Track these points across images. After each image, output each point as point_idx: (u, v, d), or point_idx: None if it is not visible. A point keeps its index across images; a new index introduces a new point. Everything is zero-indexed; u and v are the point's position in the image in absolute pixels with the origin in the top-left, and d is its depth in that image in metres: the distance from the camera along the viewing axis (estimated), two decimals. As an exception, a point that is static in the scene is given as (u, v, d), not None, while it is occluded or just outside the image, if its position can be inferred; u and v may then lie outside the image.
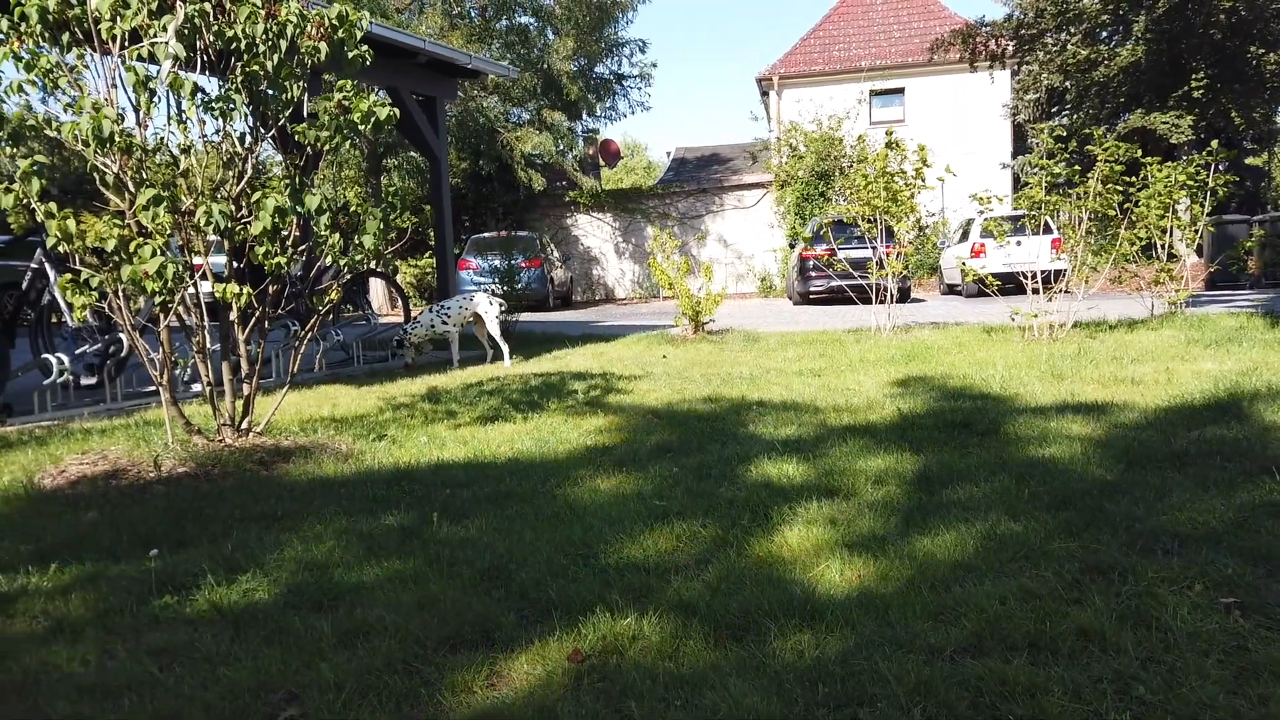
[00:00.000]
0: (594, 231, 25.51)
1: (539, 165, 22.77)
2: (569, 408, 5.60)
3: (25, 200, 4.02)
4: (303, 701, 1.99)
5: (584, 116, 24.90)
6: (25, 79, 3.96)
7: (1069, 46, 19.50)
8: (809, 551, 2.78)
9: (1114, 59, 18.92)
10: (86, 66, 4.22)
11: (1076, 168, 8.12)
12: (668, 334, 10.56)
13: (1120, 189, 8.11)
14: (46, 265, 6.23)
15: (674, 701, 1.91)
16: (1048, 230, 9.54)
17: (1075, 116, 20.33)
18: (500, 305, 8.52)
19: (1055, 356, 6.72)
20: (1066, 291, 8.54)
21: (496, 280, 10.63)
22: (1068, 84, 20.24)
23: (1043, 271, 8.70)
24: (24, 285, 6.32)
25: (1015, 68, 22.12)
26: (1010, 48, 21.19)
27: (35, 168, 4.01)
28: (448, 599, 2.50)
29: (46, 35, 4.00)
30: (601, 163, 29.72)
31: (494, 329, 8.32)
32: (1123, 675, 1.91)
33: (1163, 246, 9.14)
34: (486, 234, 21.28)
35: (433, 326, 8.38)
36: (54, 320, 6.59)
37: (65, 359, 5.97)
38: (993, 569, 2.53)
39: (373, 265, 6.41)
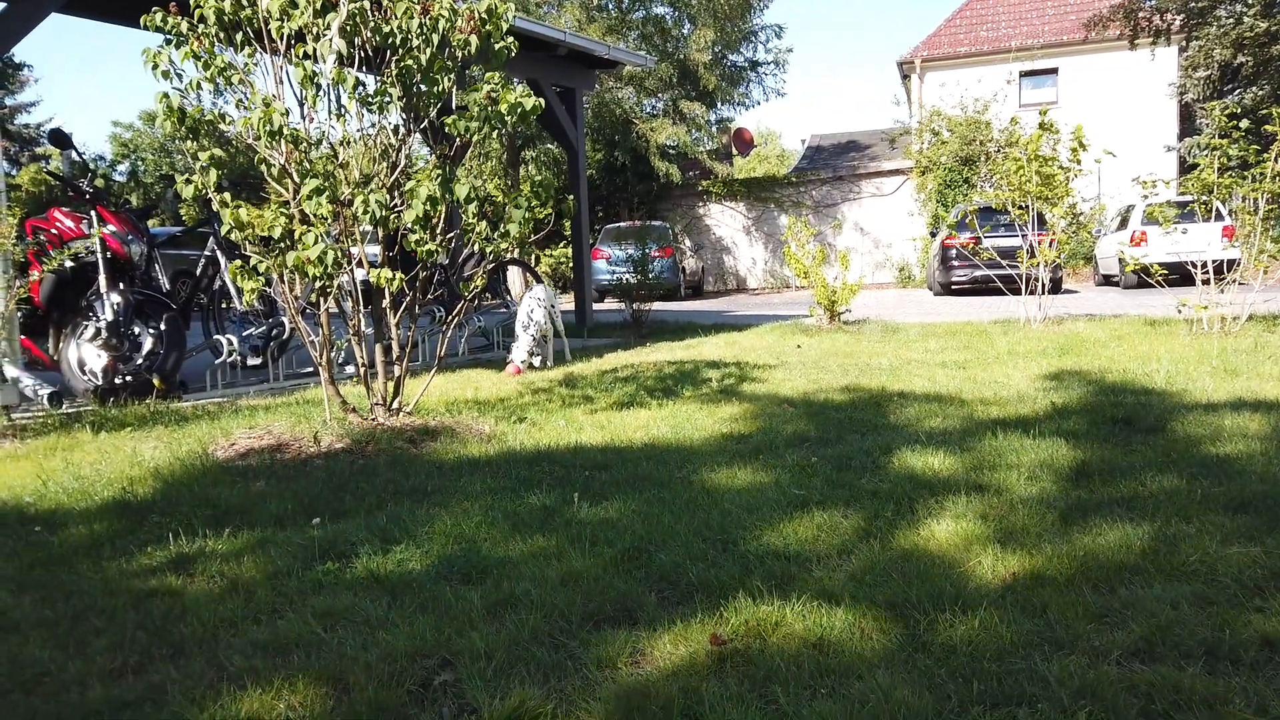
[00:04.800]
0: (726, 221, 25.38)
1: (673, 155, 22.83)
2: (703, 395, 5.59)
3: (203, 191, 4.32)
4: (455, 668, 2.07)
5: (718, 106, 24.78)
6: (203, 77, 4.24)
7: (1245, 19, 18.04)
8: (958, 546, 2.68)
9: (1297, 30, 17.41)
10: (256, 65, 4.49)
11: (1255, 147, 7.51)
12: (801, 324, 10.41)
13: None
14: (218, 253, 6.68)
15: (820, 690, 1.88)
16: (1218, 217, 8.86)
17: (1253, 94, 18.78)
18: (540, 302, 7.22)
19: (1228, 351, 6.25)
20: (1241, 282, 7.93)
21: (629, 269, 10.72)
22: (1243, 59, 18.73)
23: (1213, 261, 8.10)
24: (198, 271, 6.80)
25: (1183, 44, 20.64)
26: (1177, 22, 19.78)
27: (214, 159, 4.30)
28: (590, 576, 2.54)
29: (221, 35, 4.27)
30: (735, 151, 29.53)
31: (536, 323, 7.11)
32: (1316, 691, 1.76)
33: (1354, 233, 8.34)
34: (620, 224, 21.50)
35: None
36: (223, 304, 7.07)
37: (234, 340, 6.40)
38: (1162, 572, 2.37)
39: (519, 252, 6.59)
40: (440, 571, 2.64)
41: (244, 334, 6.73)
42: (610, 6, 22.34)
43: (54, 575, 2.70)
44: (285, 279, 4.53)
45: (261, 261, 4.38)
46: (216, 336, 6.47)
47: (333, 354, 7.08)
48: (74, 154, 6.30)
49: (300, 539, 2.93)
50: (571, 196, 5.24)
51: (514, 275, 19.03)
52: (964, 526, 2.82)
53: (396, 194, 4.64)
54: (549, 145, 22.11)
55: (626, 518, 3.08)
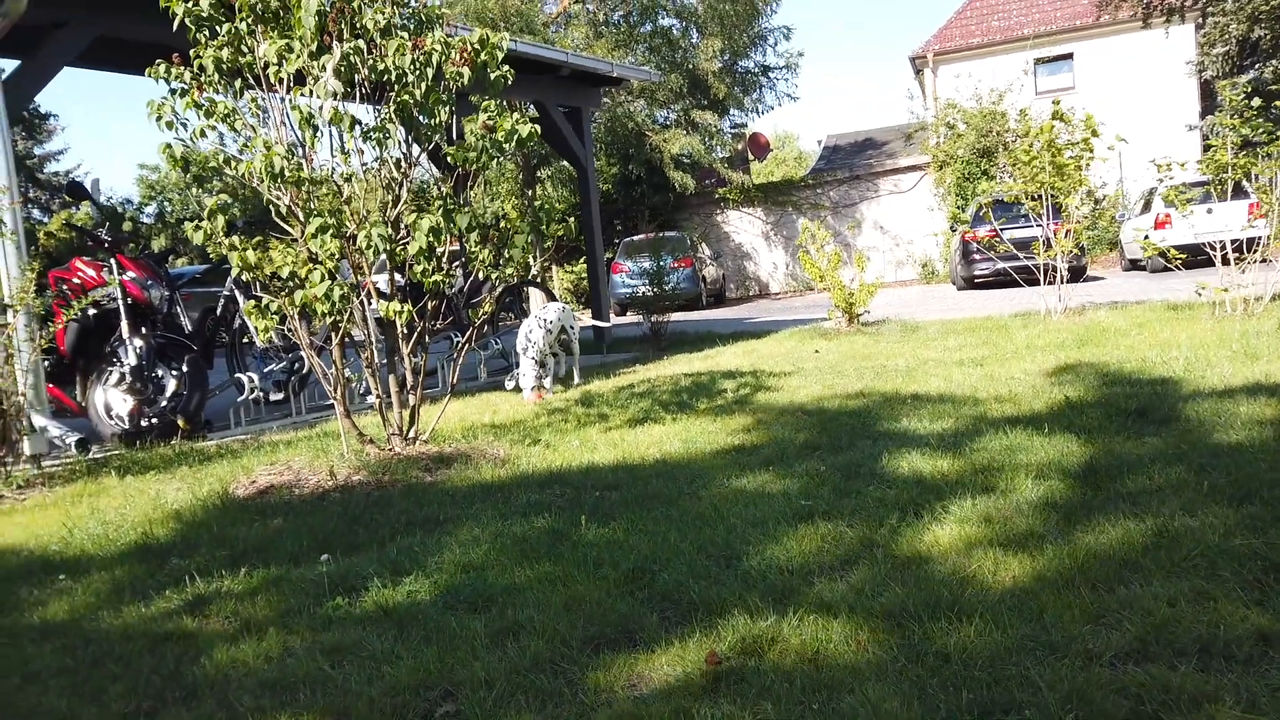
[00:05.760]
0: (745, 227, 25.36)
1: (688, 165, 22.86)
2: (718, 407, 5.61)
3: (213, 235, 4.42)
4: (457, 698, 2.10)
5: (731, 112, 24.79)
6: (206, 125, 4.34)
7: (1259, -9, 17.78)
8: (960, 551, 2.68)
9: (1315, 0, 17.12)
10: (260, 109, 4.60)
11: (1268, 125, 7.39)
12: (820, 327, 10.38)
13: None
14: (236, 291, 6.82)
15: (811, 705, 1.90)
16: (1244, 195, 8.73)
17: (1273, 67, 18.47)
18: (542, 322, 6.97)
19: (1250, 334, 6.16)
20: (1265, 261, 7.80)
21: (647, 282, 10.76)
22: (1260, 33, 18.43)
23: (1234, 241, 7.98)
24: (218, 310, 6.94)
25: (1198, 20, 20.36)
26: (1190, -1, 19.54)
27: (221, 205, 4.41)
28: (593, 600, 2.57)
29: (223, 83, 4.38)
30: (751, 157, 29.50)
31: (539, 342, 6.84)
32: (1307, 686, 1.74)
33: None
34: (637, 237, 21.56)
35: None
36: (245, 341, 7.20)
37: (255, 377, 6.52)
38: (1163, 569, 2.36)
39: (525, 275, 6.64)
40: (447, 602, 2.68)
41: (265, 370, 6.85)
42: (618, 21, 22.47)
43: (76, 623, 2.78)
44: (296, 316, 4.62)
45: (273, 301, 4.48)
46: (238, 375, 6.59)
47: (354, 385, 7.21)
48: (91, 203, 6.46)
49: (313, 575, 2.99)
50: (572, 218, 5.29)
51: (537, 294, 19.17)
52: (967, 531, 2.82)
53: (401, 226, 4.72)
54: (563, 163, 22.25)
55: (633, 537, 3.11)
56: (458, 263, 5.10)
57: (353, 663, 2.33)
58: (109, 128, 72.75)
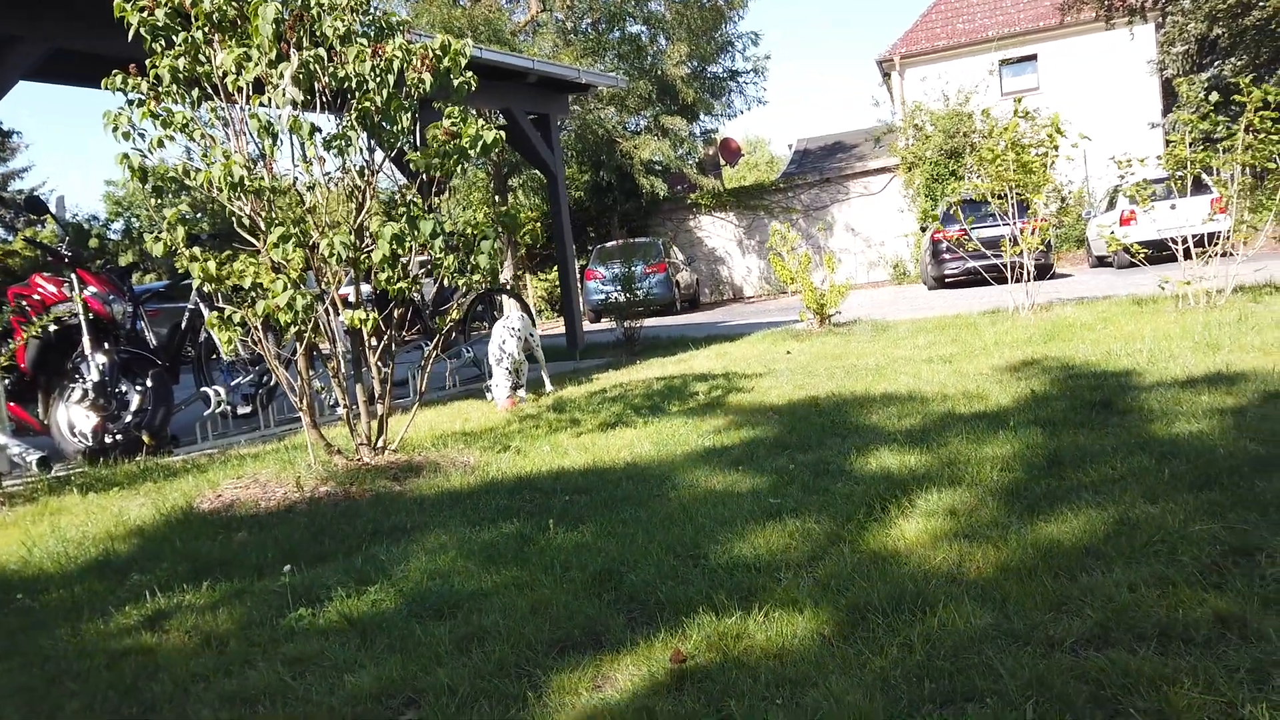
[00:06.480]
0: (718, 231, 25.45)
1: (659, 171, 22.92)
2: (689, 410, 5.61)
3: (173, 247, 4.36)
4: (420, 706, 2.08)
5: (701, 117, 24.89)
6: (164, 135, 4.29)
7: (1216, -9, 18.09)
8: (926, 544, 2.68)
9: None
10: (220, 119, 4.55)
11: (1223, 119, 7.51)
12: (793, 329, 10.42)
13: (1279, 137, 7.43)
14: (201, 304, 6.74)
15: (775, 700, 1.89)
16: (1206, 190, 8.85)
17: (1230, 64, 18.78)
18: (514, 331, 6.83)
19: (1212, 325, 6.24)
20: (1227, 254, 7.91)
21: (618, 288, 10.75)
22: (1218, 31, 18.75)
23: (1196, 235, 8.09)
24: (183, 323, 6.85)
25: (1159, 20, 20.68)
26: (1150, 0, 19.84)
27: (181, 216, 4.36)
28: (559, 603, 2.55)
29: (180, 93, 4.33)
30: (723, 162, 29.60)
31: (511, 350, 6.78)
32: (1262, 664, 1.76)
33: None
34: (610, 243, 21.58)
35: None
36: (215, 356, 7.11)
37: (222, 391, 6.44)
38: (1124, 555, 2.37)
39: (494, 283, 6.61)
40: (413, 609, 2.65)
41: (233, 383, 6.77)
42: (586, 29, 22.51)
43: (33, 641, 2.72)
44: (260, 327, 4.57)
45: (235, 312, 4.42)
46: (204, 388, 6.51)
47: (323, 396, 7.14)
48: (52, 218, 6.36)
49: (276, 587, 2.95)
50: (536, 224, 5.27)
51: (510, 302, 19.10)
52: (933, 524, 2.83)
53: (366, 235, 4.68)
54: (535, 171, 22.23)
55: (601, 540, 3.09)
56: (424, 269, 5.06)
57: (314, 673, 2.29)
58: (75, 144, 71.88)
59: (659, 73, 21.79)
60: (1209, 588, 2.12)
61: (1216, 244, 7.80)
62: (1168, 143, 8.20)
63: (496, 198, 22.52)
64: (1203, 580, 2.16)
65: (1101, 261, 17.99)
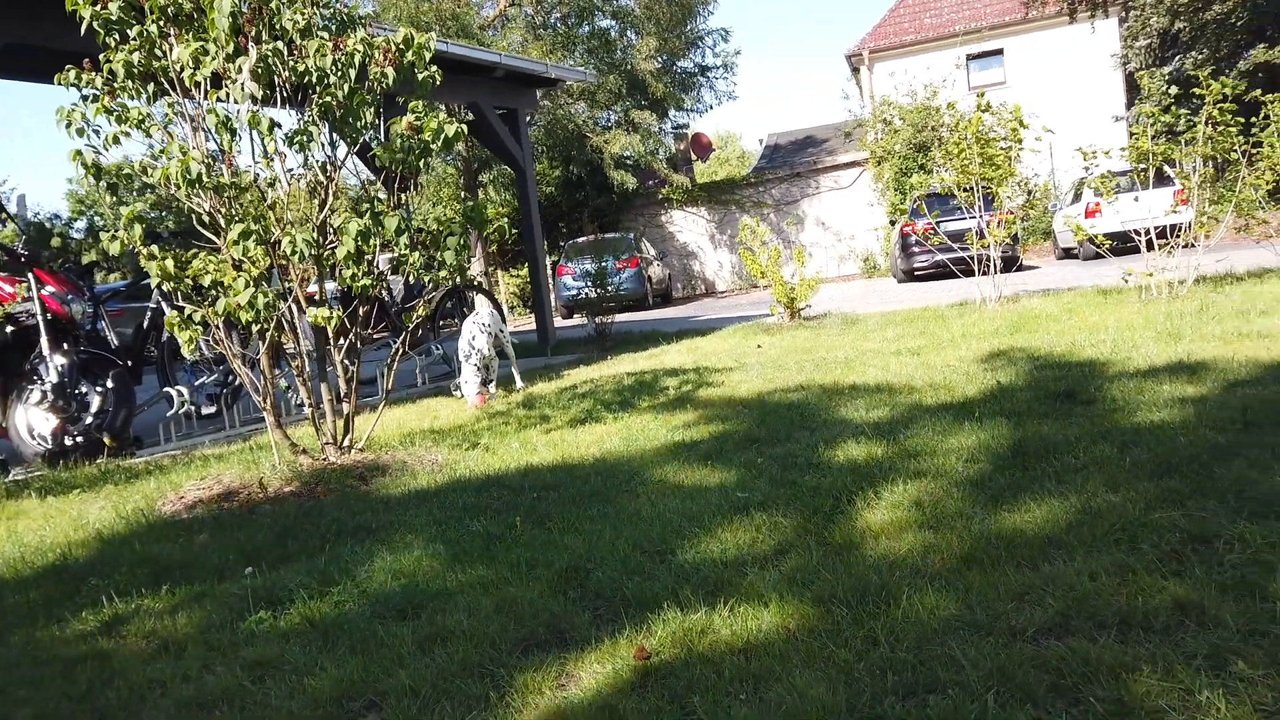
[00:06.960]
0: (689, 226, 25.45)
1: (630, 166, 22.86)
2: (659, 405, 5.60)
3: (130, 246, 4.28)
4: (381, 708, 2.05)
5: (671, 113, 24.85)
6: (119, 130, 4.21)
7: (1177, -15, 18.35)
8: (891, 536, 2.69)
9: (1229, -7, 17.71)
10: (178, 114, 4.46)
11: (1184, 112, 7.61)
12: (764, 323, 10.44)
13: (1237, 130, 7.54)
14: (163, 303, 6.63)
15: (739, 695, 1.88)
16: (1169, 183, 8.97)
17: (1192, 58, 19.06)
18: (484, 327, 6.70)
19: (1174, 315, 6.33)
20: (1189, 245, 8.02)
21: (590, 283, 10.72)
22: (1180, 25, 19.01)
23: (1159, 227, 8.19)
24: (145, 323, 6.74)
25: (1122, 14, 20.94)
26: (1113, -6, 20.09)
27: (138, 214, 4.27)
28: (525, 602, 2.53)
29: (136, 89, 4.24)
30: (694, 157, 29.61)
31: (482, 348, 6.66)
32: (1220, 650, 1.77)
33: (1293, 187, 8.46)
34: (581, 239, 21.52)
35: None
36: (176, 355, 7.00)
37: (185, 391, 6.34)
38: (1085, 544, 2.39)
39: (461, 278, 6.55)
40: (376, 610, 2.62)
41: (197, 383, 6.67)
42: (555, 23, 22.39)
43: (-15, 649, 2.66)
44: (220, 326, 4.50)
45: (195, 311, 4.35)
46: (167, 389, 6.41)
47: (290, 395, 7.06)
48: (10, 218, 6.23)
49: (237, 590, 2.90)
50: (506, 220, 5.23)
51: (480, 299, 19.02)
52: (899, 515, 2.84)
53: (329, 231, 4.62)
54: (505, 166, 22.11)
55: (568, 537, 3.07)
56: (391, 266, 5.00)
57: (274, 677, 2.26)
58: (37, 141, 70.57)
59: (629, 67, 21.72)
60: (1168, 575, 2.13)
61: (1179, 235, 7.90)
62: (1131, 135, 8.29)
63: (464, 194, 22.37)
64: (1162, 568, 2.18)
65: (1068, 253, 18.19)
